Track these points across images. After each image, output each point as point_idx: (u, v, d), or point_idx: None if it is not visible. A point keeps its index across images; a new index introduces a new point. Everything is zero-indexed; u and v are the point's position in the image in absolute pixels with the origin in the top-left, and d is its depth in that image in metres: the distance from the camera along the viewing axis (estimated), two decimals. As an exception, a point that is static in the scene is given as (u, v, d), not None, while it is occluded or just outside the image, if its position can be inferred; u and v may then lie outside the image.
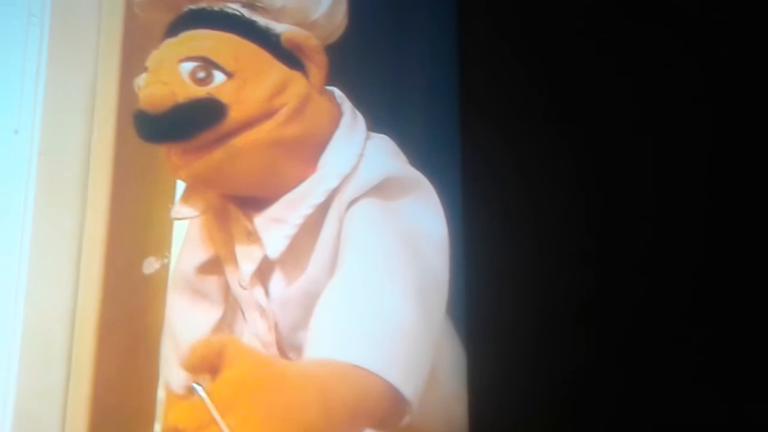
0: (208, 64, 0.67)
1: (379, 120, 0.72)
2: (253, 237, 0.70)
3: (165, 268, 0.76)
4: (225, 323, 0.73)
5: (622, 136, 0.77)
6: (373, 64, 0.74)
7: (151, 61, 0.69)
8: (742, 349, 0.75)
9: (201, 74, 0.67)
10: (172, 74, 0.67)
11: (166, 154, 0.70)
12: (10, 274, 0.77)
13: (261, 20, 0.69)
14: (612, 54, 0.79)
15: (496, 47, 0.78)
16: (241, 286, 0.71)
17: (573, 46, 0.78)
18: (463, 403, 0.70)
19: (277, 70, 0.68)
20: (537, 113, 0.77)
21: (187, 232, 0.75)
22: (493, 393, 0.71)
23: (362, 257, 0.67)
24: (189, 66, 0.67)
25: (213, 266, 0.74)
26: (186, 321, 0.73)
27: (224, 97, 0.67)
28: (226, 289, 0.73)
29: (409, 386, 0.63)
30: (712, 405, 0.74)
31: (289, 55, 0.69)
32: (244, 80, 0.68)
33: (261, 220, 0.69)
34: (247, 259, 0.71)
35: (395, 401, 0.63)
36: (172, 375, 0.73)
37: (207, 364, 0.60)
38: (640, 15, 0.79)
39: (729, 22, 0.79)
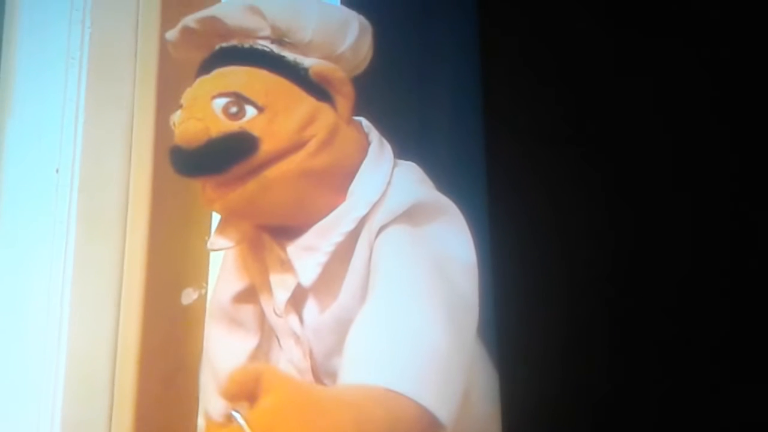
0: (240, 99, 0.69)
1: (405, 147, 0.73)
2: (286, 265, 0.71)
3: (202, 298, 0.77)
4: (261, 351, 0.74)
5: (648, 155, 0.77)
6: (398, 94, 0.75)
7: (185, 98, 0.71)
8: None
9: (233, 109, 0.69)
10: (206, 110, 0.69)
11: (201, 187, 0.71)
12: (54, 307, 0.78)
13: (290, 55, 0.71)
14: (636, 74, 0.79)
15: (519, 73, 0.79)
16: (276, 314, 0.72)
17: (595, 68, 0.79)
18: (497, 424, 0.71)
19: (306, 103, 0.70)
20: (561, 136, 0.78)
21: (222, 262, 0.76)
22: (526, 414, 0.71)
23: (393, 283, 0.68)
24: (222, 101, 0.69)
25: (248, 295, 0.75)
26: (223, 350, 0.74)
27: (256, 131, 0.68)
28: (262, 318, 0.74)
29: (443, 409, 0.63)
30: (745, 427, 0.73)
31: (317, 88, 0.70)
32: (275, 113, 0.69)
33: (294, 249, 0.70)
34: (282, 288, 0.72)
35: (430, 424, 0.63)
36: (211, 403, 0.73)
37: (245, 391, 0.60)
38: (666, 35, 0.79)
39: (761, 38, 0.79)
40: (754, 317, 0.74)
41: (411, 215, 0.69)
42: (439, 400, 0.63)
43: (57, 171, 0.80)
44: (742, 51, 0.78)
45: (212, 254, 0.77)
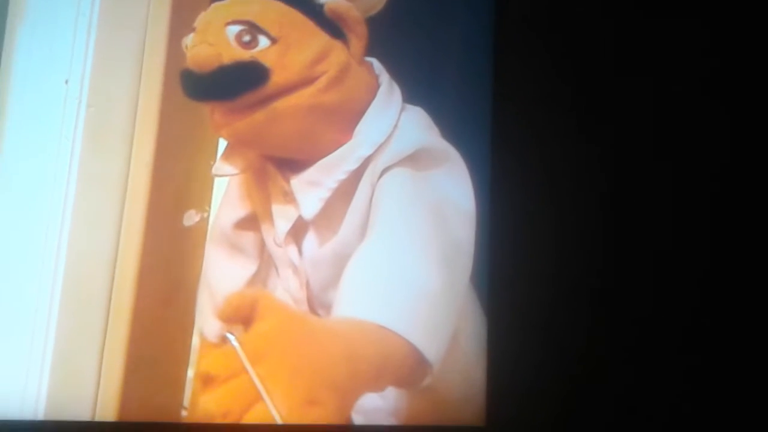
0: (254, 29, 0.69)
1: (414, 92, 0.73)
2: (289, 197, 0.72)
3: (204, 221, 0.77)
4: (259, 278, 0.75)
5: (643, 125, 0.78)
6: (411, 39, 0.75)
7: (199, 22, 0.72)
8: (753, 341, 0.76)
9: (246, 38, 0.69)
10: (219, 36, 0.70)
11: (209, 112, 0.72)
12: (55, 219, 0.78)
13: (306, -11, 0.71)
14: (640, 50, 0.79)
15: (529, 30, 0.79)
16: (276, 243, 0.74)
17: (602, 40, 0.79)
18: (482, 367, 0.73)
19: (319, 39, 0.70)
20: (564, 98, 0.78)
21: (226, 188, 0.77)
22: (510, 359, 0.73)
23: (392, 224, 0.69)
24: (235, 29, 0.70)
25: (250, 223, 0.76)
26: (222, 273, 0.76)
27: (267, 62, 0.69)
28: (262, 246, 0.75)
29: (431, 349, 0.65)
30: (717, 382, 0.75)
31: (331, 25, 0.71)
32: (288, 46, 0.70)
33: (297, 182, 0.72)
34: (283, 218, 0.73)
35: (418, 362, 0.65)
36: (207, 324, 0.75)
37: (240, 315, 0.63)
38: (671, 11, 0.79)
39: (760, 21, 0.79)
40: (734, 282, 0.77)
41: (415, 159, 0.71)
42: (428, 340, 0.65)
43: (66, 82, 0.80)
44: (745, 37, 0.78)
45: (216, 180, 0.78)
